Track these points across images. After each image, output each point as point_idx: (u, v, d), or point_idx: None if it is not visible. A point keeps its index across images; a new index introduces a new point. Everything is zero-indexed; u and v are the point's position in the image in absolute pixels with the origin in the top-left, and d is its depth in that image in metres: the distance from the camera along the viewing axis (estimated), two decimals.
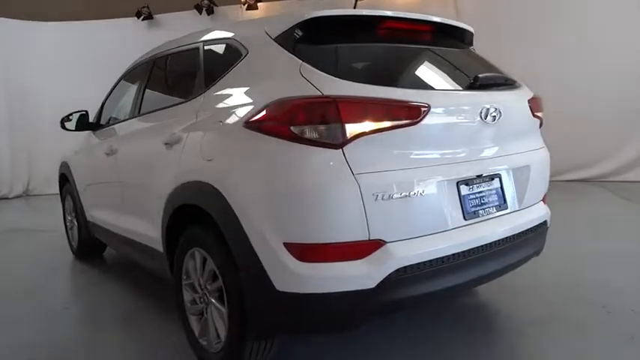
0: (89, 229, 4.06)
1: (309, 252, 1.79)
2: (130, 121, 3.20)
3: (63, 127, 3.85)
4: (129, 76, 3.62)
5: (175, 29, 8.14)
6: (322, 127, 1.78)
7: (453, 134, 2.05)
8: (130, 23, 8.58)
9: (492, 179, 2.20)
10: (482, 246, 2.07)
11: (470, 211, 2.07)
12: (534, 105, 2.43)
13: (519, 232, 2.26)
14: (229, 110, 2.11)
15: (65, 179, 4.42)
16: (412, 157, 1.93)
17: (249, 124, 1.94)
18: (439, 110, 1.95)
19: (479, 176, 2.13)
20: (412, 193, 1.87)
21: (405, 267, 1.84)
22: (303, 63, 1.94)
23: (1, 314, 3.24)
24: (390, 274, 1.81)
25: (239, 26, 2.42)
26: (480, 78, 2.17)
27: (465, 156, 2.09)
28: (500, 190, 2.24)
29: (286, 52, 2.04)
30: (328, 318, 1.87)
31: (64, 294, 3.79)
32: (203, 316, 2.36)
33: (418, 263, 1.87)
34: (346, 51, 2.13)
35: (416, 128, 1.89)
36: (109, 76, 8.08)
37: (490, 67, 2.47)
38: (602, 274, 3.34)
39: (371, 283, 1.79)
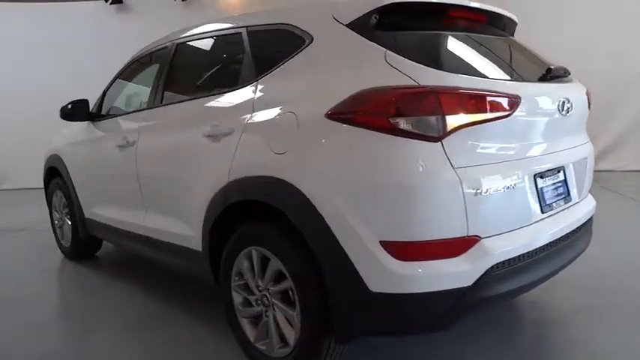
0: (87, 227, 3.78)
1: (407, 250, 1.71)
2: (149, 111, 2.96)
3: (64, 116, 3.54)
4: (140, 62, 3.37)
5: (147, 14, 7.87)
6: (422, 119, 1.69)
7: (535, 126, 2.03)
8: (94, 7, 8.07)
9: (559, 172, 2.19)
10: (559, 238, 2.06)
11: (546, 204, 2.05)
12: (589, 97, 2.45)
13: (581, 224, 2.28)
14: (302, 101, 1.98)
15: (55, 173, 4.09)
16: (503, 150, 1.88)
17: (333, 115, 1.82)
18: (527, 102, 1.92)
19: (551, 169, 2.11)
20: (504, 187, 1.83)
21: (500, 263, 1.80)
22: (388, 51, 1.84)
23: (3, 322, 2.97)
24: (486, 271, 1.76)
25: (295, 11, 2.27)
26: (553, 70, 2.15)
27: (542, 148, 2.07)
28: (564, 182, 2.23)
29: (364, 39, 1.92)
30: (424, 318, 1.79)
31: (65, 298, 3.51)
32: (262, 319, 2.22)
33: (510, 259, 1.83)
34: (425, 39, 2.04)
35: (508, 120, 1.84)
36: (72, 63, 7.77)
37: (537, 57, 2.46)
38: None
39: (468, 281, 1.73)
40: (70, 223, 4.03)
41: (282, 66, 2.17)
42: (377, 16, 1.94)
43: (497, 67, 2.16)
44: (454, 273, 1.72)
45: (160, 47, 3.11)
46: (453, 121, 1.71)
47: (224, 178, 2.24)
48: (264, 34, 2.37)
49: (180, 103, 2.79)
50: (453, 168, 1.70)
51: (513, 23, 2.53)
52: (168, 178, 2.72)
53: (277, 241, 2.06)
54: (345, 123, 1.79)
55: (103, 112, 3.57)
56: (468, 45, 2.13)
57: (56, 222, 4.31)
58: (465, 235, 1.73)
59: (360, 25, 1.96)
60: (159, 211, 2.86)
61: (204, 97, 2.58)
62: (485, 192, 1.76)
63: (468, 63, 2.06)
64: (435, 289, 1.71)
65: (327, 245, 1.82)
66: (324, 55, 2.05)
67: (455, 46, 2.09)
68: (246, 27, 2.44)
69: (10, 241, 4.93)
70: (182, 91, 2.89)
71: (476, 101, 1.76)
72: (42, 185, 4.39)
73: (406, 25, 2.01)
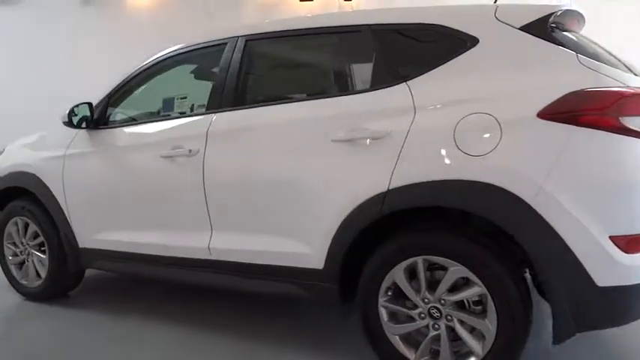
0: (81, 259, 3.11)
1: (636, 243, 1.79)
2: (221, 114, 2.55)
3: (70, 123, 2.88)
4: (175, 61, 2.89)
5: (38, 10, 6.71)
6: None
7: None
8: None
9: None
10: None
11: None
12: None
13: None
14: (495, 101, 1.93)
15: (11, 196, 3.30)
16: None
17: (546, 114, 1.83)
18: None
19: None
20: None
21: None
22: (579, 54, 1.92)
23: None
24: None
25: (443, 11, 2.20)
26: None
27: None
28: None
29: (547, 42, 1.97)
30: None
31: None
32: (427, 336, 2.09)
33: None
34: (585, 44, 2.15)
35: None
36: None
37: None
38: None
39: None
40: (42, 256, 3.27)
41: (441, 66, 2.09)
42: (551, 22, 2.01)
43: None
44: None
45: (214, 44, 2.73)
46: None
47: (379, 185, 2.07)
48: (401, 33, 2.25)
49: (278, 105, 2.47)
50: None
51: None
52: (267, 190, 2.39)
53: (464, 247, 1.98)
54: (563, 122, 1.81)
55: (114, 118, 2.99)
56: (604, 49, 2.27)
57: (10, 258, 3.45)
58: None
59: (537, 29, 2.00)
60: (243, 229, 2.49)
61: (320, 98, 2.35)
62: None
63: (622, 64, 2.19)
64: None
65: (549, 245, 1.81)
66: (497, 56, 2.04)
67: (603, 50, 2.22)
68: (372, 25, 2.29)
69: None
70: (279, 92, 2.57)
71: None
72: None
73: (568, 30, 2.11)
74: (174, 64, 2.94)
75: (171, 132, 2.73)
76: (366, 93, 2.23)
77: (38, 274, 3.33)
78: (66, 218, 3.08)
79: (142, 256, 2.84)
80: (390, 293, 2.16)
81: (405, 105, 2.09)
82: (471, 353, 2.03)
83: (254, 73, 2.62)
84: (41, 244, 3.29)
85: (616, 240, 1.78)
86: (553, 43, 1.97)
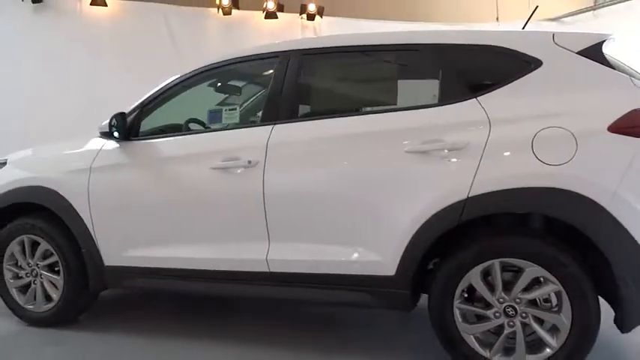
0: (105, 278, 2.93)
1: None
2: (281, 126, 2.56)
3: (111, 135, 2.74)
4: (223, 74, 2.87)
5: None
6: None
7: None
8: None
9: None
10: None
11: None
12: None
13: None
14: (565, 117, 2.16)
15: (15, 214, 3.09)
16: None
17: (615, 128, 2.08)
18: None
19: None
20: None
21: None
22: (631, 77, 2.21)
23: None
24: None
25: (508, 35, 2.42)
26: None
27: None
28: None
29: (602, 65, 2.25)
30: None
31: None
32: (501, 334, 2.25)
33: None
34: (627, 67, 2.44)
35: None
36: None
37: None
38: None
39: None
40: (54, 277, 3.04)
41: (509, 85, 2.30)
42: (600, 47, 2.29)
43: None
44: None
45: (262, 57, 2.75)
46: None
47: (458, 193, 2.22)
48: (468, 53, 2.43)
49: (345, 118, 2.54)
50: None
51: None
52: (335, 200, 2.44)
53: (542, 249, 2.17)
54: (631, 135, 2.07)
55: (143, 129, 2.89)
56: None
57: (10, 281, 3.16)
58: None
59: (593, 53, 2.27)
60: (305, 240, 2.52)
61: (388, 112, 2.46)
62: None
63: None
64: None
65: (623, 243, 2.06)
66: (561, 77, 2.28)
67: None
68: (439, 44, 2.46)
69: None
70: (343, 105, 2.64)
71: None
72: None
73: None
74: (214, 77, 2.92)
75: (222, 143, 2.70)
76: (437, 107, 2.38)
77: (47, 297, 3.09)
78: (90, 235, 2.90)
79: (184, 271, 2.75)
80: (465, 295, 2.29)
81: (480, 118, 2.26)
82: (543, 347, 2.22)
83: (315, 86, 2.68)
84: (52, 265, 3.06)
85: None
86: (608, 66, 2.24)
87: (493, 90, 2.32)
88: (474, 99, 2.32)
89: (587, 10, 8.21)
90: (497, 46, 2.39)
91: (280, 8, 7.70)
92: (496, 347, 2.27)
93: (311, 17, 7.90)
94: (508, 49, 2.36)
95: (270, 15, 7.67)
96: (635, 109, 2.10)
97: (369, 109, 2.56)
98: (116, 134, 2.79)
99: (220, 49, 7.45)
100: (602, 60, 2.26)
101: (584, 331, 2.15)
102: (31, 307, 3.13)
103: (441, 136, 2.29)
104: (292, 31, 7.90)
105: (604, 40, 2.30)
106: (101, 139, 2.98)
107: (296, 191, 2.52)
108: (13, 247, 3.13)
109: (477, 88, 2.35)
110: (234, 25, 7.63)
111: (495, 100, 2.30)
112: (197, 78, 2.90)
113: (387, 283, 2.39)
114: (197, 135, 2.86)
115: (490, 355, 2.27)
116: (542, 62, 2.30)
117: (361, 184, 2.42)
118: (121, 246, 2.88)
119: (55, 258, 3.04)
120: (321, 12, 7.94)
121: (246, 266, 2.63)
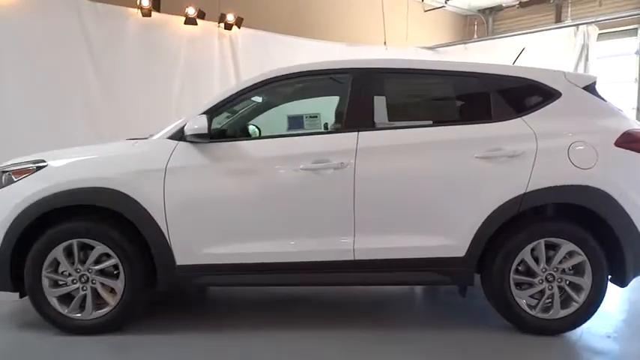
0: (176, 278, 2.95)
1: None
2: (369, 133, 3.00)
3: (195, 136, 2.85)
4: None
5: None
6: None
7: None
8: None
9: None
10: None
11: None
12: None
13: None
14: (583, 134, 2.98)
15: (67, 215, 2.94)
16: None
17: (618, 144, 2.97)
18: None
19: None
20: None
21: None
22: (618, 109, 3.17)
23: None
24: None
25: (535, 72, 3.12)
26: None
27: None
28: None
29: (598, 98, 3.16)
30: None
31: None
32: (543, 296, 2.98)
33: None
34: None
35: None
36: None
37: None
38: None
39: None
40: (111, 281, 2.94)
41: (543, 108, 3.08)
42: (593, 85, 3.21)
43: None
44: None
45: (368, 69, 3.16)
46: None
47: (519, 189, 2.91)
48: (511, 82, 3.14)
49: (424, 128, 3.07)
50: None
51: None
52: (417, 196, 2.95)
53: (575, 231, 2.97)
54: (629, 149, 2.98)
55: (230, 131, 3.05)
56: None
57: (50, 289, 2.93)
58: None
59: (592, 89, 3.17)
60: (389, 231, 2.96)
61: (457, 124, 3.05)
62: None
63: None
64: None
65: (626, 224, 2.94)
66: (573, 106, 3.12)
67: None
68: (491, 74, 3.14)
69: None
70: (415, 118, 3.11)
71: None
72: None
73: None
74: (287, 85, 3.17)
75: (311, 147, 3.00)
76: (492, 123, 3.04)
77: (98, 304, 2.96)
78: (163, 235, 2.90)
79: (268, 265, 2.95)
80: (519, 268, 2.99)
81: (528, 133, 2.99)
82: (571, 303, 3.01)
83: (390, 101, 3.13)
84: (104, 269, 2.96)
85: None
86: (602, 99, 3.16)
87: (532, 112, 3.07)
88: (520, 118, 3.04)
89: (459, 42, 9.89)
90: (527, 79, 3.16)
91: (201, 15, 7.73)
92: (540, 305, 3.00)
93: (229, 27, 8.06)
94: (539, 81, 3.15)
95: (190, 21, 7.66)
96: (627, 131, 3.02)
97: (437, 121, 3.12)
98: (199, 136, 2.88)
99: (137, 51, 7.27)
100: (597, 94, 3.18)
101: (599, 289, 2.99)
102: (78, 315, 2.96)
103: (501, 146, 2.96)
104: (209, 39, 7.98)
105: (595, 80, 3.22)
106: (158, 140, 3.03)
107: (383, 190, 2.97)
108: (57, 253, 2.92)
109: (519, 110, 3.08)
110: (153, 27, 7.43)
111: (535, 120, 3.05)
112: (267, 87, 3.14)
113: (458, 263, 2.96)
114: (283, 138, 3.10)
115: (535, 312, 3.00)
116: (561, 94, 3.13)
117: (438, 183, 2.97)
118: (199, 244, 2.95)
119: (110, 262, 2.95)
120: (239, 23, 8.15)
121: (332, 256, 2.96)
